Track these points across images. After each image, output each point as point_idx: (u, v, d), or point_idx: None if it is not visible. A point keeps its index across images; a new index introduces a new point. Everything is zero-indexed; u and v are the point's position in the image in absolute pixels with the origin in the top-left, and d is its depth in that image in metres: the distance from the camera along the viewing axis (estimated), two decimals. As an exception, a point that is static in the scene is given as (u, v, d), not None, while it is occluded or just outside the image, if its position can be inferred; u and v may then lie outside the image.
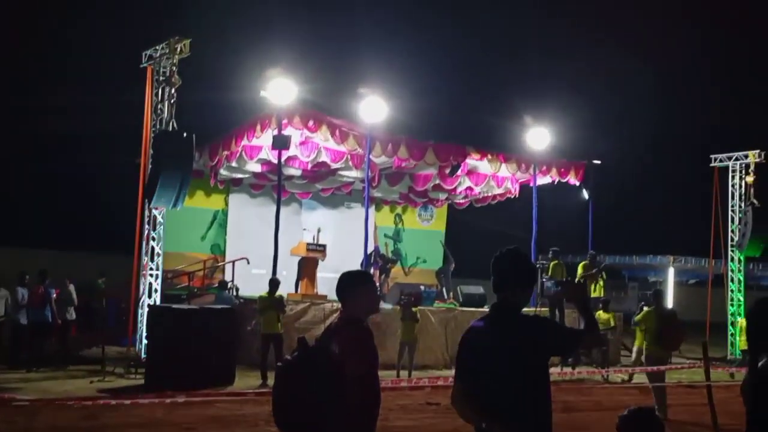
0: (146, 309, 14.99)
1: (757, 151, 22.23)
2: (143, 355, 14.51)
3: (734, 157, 22.68)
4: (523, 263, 3.99)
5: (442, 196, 23.39)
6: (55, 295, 15.55)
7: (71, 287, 16.18)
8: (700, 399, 11.08)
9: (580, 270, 18.85)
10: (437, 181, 20.98)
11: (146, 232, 15.75)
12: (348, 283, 4.37)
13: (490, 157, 19.61)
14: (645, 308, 12.42)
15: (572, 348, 3.94)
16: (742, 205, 22.21)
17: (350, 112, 17.51)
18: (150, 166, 15.36)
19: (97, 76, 36.27)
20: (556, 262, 18.65)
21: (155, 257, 15.75)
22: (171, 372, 12.29)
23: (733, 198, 22.64)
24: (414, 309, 15.71)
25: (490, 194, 22.94)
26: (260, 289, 15.03)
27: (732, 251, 22.80)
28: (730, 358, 21.31)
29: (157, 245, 15.80)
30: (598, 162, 21.39)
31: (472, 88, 47.18)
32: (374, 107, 17.05)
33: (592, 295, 18.06)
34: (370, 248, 19.81)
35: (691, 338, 20.60)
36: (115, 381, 13.58)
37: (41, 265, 16.55)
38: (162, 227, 15.93)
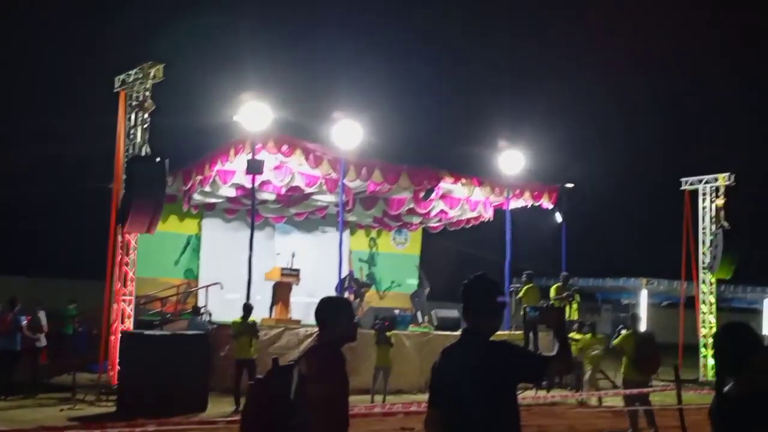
0: (119, 335, 14.83)
1: (727, 174, 22.52)
2: (115, 382, 14.34)
3: (704, 180, 22.95)
4: (491, 290, 4.02)
5: (416, 219, 23.42)
6: (25, 322, 15.35)
7: (41, 314, 15.97)
8: (672, 422, 11.11)
9: (552, 292, 18.92)
10: (411, 205, 21.02)
11: (119, 257, 15.62)
12: (327, 307, 4.35)
13: (463, 180, 19.71)
14: (623, 332, 12.39)
15: (540, 374, 3.96)
16: (713, 227, 22.45)
17: (324, 137, 17.53)
18: (123, 191, 15.26)
19: (71, 101, 36.08)
20: (531, 285, 18.73)
21: (128, 283, 15.61)
22: (143, 399, 12.17)
23: (703, 221, 22.88)
24: (388, 333, 15.67)
25: (464, 218, 23.00)
26: (234, 315, 14.93)
27: (703, 273, 23.01)
28: (702, 380, 21.42)
29: (130, 270, 15.67)
30: (572, 185, 21.55)
31: (447, 112, 47.50)
32: (348, 131, 17.09)
33: (567, 318, 18.15)
34: (345, 272, 19.78)
35: (664, 360, 20.70)
36: (85, 409, 13.39)
37: (12, 292, 16.34)
38: (135, 252, 15.81)
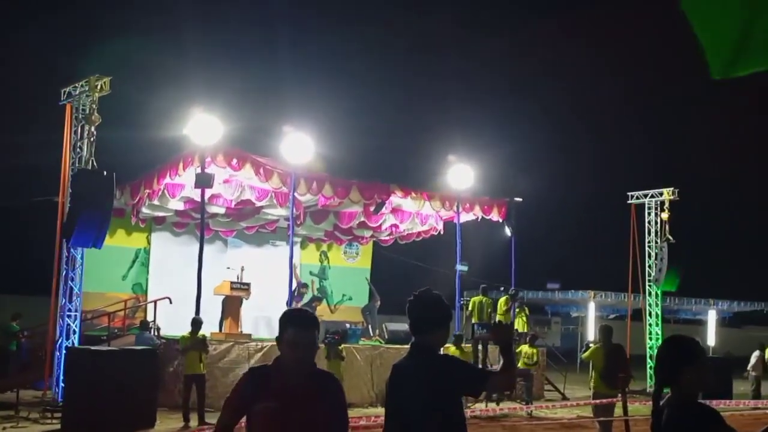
0: (64, 351, 14.57)
1: (672, 188, 23.00)
2: (60, 399, 14.08)
3: (650, 195, 23.39)
4: (435, 305, 4.08)
5: (367, 233, 23.46)
6: None
7: None
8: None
9: (500, 306, 19.14)
10: (362, 219, 21.05)
11: (64, 272, 15.37)
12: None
13: (414, 194, 19.82)
14: (591, 345, 12.00)
15: (480, 388, 4.05)
16: (659, 241, 22.88)
17: (275, 151, 17.51)
18: (69, 205, 15.04)
19: (15, 113, 35.43)
20: (484, 298, 18.89)
21: (74, 298, 15.36)
22: (89, 416, 11.98)
23: (649, 234, 23.30)
24: (340, 347, 15.66)
25: (414, 231, 23.11)
26: (183, 329, 14.78)
27: (649, 286, 23.42)
28: (649, 390, 21.77)
29: (76, 285, 15.42)
30: (520, 199, 21.80)
31: (397, 127, 47.75)
32: (299, 145, 17.08)
33: (517, 331, 18.37)
34: (294, 284, 19.71)
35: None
36: (29, 427, 13.11)
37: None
38: (81, 267, 15.57)
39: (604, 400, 11.10)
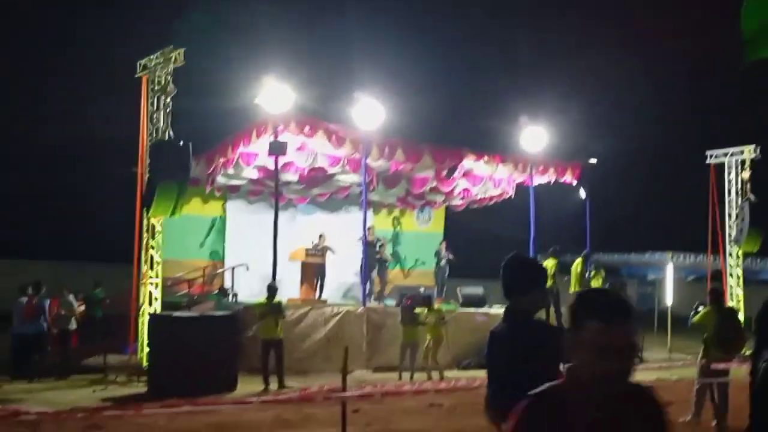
0: (147, 317, 15.01)
1: (753, 146, 22.32)
2: (145, 363, 14.54)
3: (730, 153, 22.76)
4: (525, 267, 4.05)
5: (440, 198, 23.42)
6: (49, 305, 15.53)
7: (71, 297, 16.19)
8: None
9: (576, 267, 18.94)
10: (434, 184, 21.02)
11: (145, 240, 15.79)
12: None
13: (486, 158, 19.67)
14: (700, 309, 11.11)
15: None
16: (739, 200, 22.29)
17: (346, 117, 17.55)
18: (147, 176, 15.39)
19: (94, 86, 36.26)
20: (555, 260, 18.68)
21: (154, 265, 15.77)
22: (173, 379, 12.33)
23: (729, 194, 22.71)
24: (417, 310, 15.73)
25: (487, 195, 22.97)
26: (259, 295, 15.07)
27: (730, 247, 22.87)
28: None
29: (156, 253, 15.83)
30: (595, 161, 21.46)
31: (469, 90, 47.28)
32: (370, 111, 17.10)
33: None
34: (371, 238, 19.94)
35: (693, 334, 20.65)
36: (117, 390, 13.60)
37: (37, 276, 16.54)
38: (160, 236, 15.96)
39: (719, 365, 10.41)
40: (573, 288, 18.61)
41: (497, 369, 4.00)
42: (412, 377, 15.02)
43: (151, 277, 15.70)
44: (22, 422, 9.93)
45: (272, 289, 14.61)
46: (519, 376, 3.82)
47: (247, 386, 13.71)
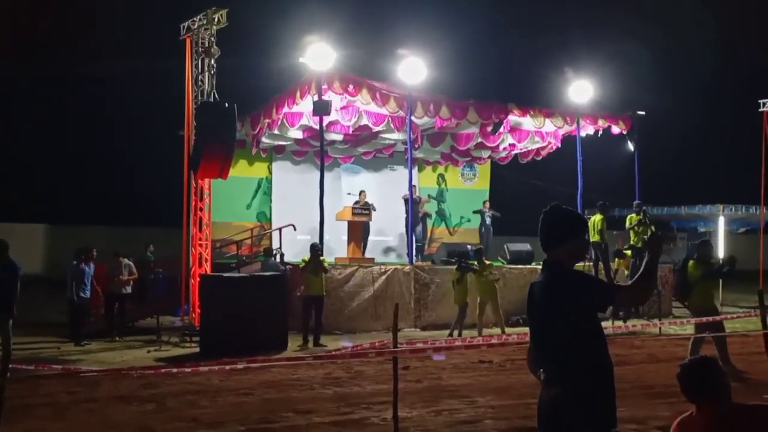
0: (198, 279, 15.20)
1: (807, 93, 21.75)
2: (197, 324, 14.76)
3: (783, 101, 22.21)
4: (558, 219, 3.99)
5: (485, 153, 23.22)
6: (92, 270, 15.58)
7: (128, 261, 16.18)
8: (755, 348, 10.98)
9: (630, 222, 18.64)
10: (479, 140, 20.83)
11: (193, 203, 15.94)
12: None
13: (532, 113, 19.40)
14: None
15: (605, 302, 3.92)
16: (792, 150, 21.79)
17: (390, 75, 17.43)
18: (194, 138, 15.49)
19: (139, 50, 36.47)
20: (602, 216, 18.38)
21: (203, 227, 15.94)
22: (225, 339, 12.49)
23: (782, 143, 22.20)
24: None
25: (533, 149, 22.72)
26: (306, 255, 15.12)
27: (783, 197, 22.42)
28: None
29: (205, 215, 15.98)
30: (643, 113, 21.05)
31: (512, 44, 46.57)
32: (413, 68, 16.93)
33: (640, 246, 17.85)
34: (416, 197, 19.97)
35: (745, 287, 20.38)
36: (171, 350, 13.85)
37: (88, 241, 16.76)
38: (209, 198, 16.10)
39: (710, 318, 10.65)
40: (632, 241, 18.39)
41: (532, 321, 3.99)
42: (460, 334, 14.97)
43: (200, 240, 15.88)
44: (81, 382, 10.17)
45: (314, 248, 14.74)
46: (550, 328, 3.82)
47: (298, 345, 13.90)
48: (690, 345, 11.10)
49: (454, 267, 15.65)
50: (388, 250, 23.07)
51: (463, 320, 15.28)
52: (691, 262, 11.12)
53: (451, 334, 15.13)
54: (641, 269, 3.85)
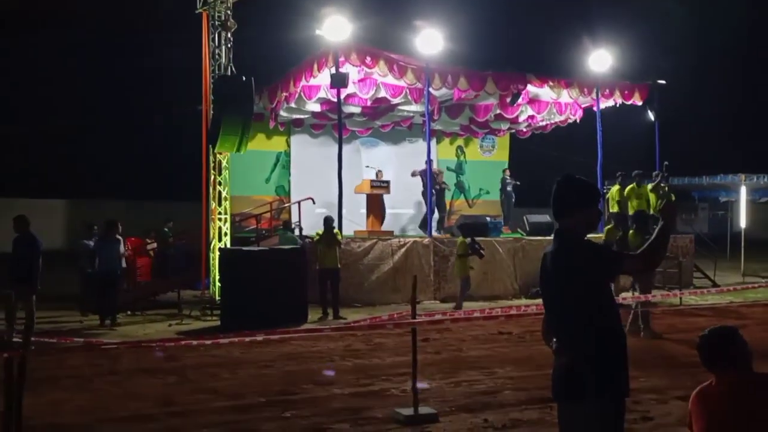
0: (217, 252, 15.26)
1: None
2: (217, 298, 14.85)
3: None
4: (568, 187, 3.97)
5: (504, 125, 23.10)
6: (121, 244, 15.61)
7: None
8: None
9: (650, 191, 18.47)
10: (498, 111, 20.72)
11: (212, 177, 15.97)
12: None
13: (551, 83, 19.24)
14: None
15: (613, 270, 3.98)
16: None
17: (407, 46, 17.33)
18: (211, 112, 15.48)
19: (156, 24, 36.37)
20: (617, 187, 18.22)
21: (222, 201, 15.98)
22: (245, 312, 12.55)
23: (806, 111, 21.91)
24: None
25: (552, 121, 22.58)
26: (320, 228, 15.12)
27: (806, 166, 22.15)
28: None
29: (224, 189, 16.02)
30: (663, 82, 20.82)
31: (529, 14, 46.07)
32: (431, 39, 16.81)
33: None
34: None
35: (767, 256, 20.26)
36: (192, 323, 13.95)
37: (107, 215, 16.81)
38: (227, 171, 16.13)
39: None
40: (653, 209, 18.25)
41: (544, 290, 4.03)
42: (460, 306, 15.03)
43: (219, 213, 15.93)
44: (103, 354, 10.27)
45: (327, 220, 14.77)
46: (560, 295, 3.84)
47: (318, 318, 13.97)
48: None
49: (465, 240, 15.73)
50: (405, 224, 23.04)
51: (464, 293, 15.39)
52: (631, 232, 12.90)
53: (457, 308, 15.14)
54: (652, 236, 3.85)
